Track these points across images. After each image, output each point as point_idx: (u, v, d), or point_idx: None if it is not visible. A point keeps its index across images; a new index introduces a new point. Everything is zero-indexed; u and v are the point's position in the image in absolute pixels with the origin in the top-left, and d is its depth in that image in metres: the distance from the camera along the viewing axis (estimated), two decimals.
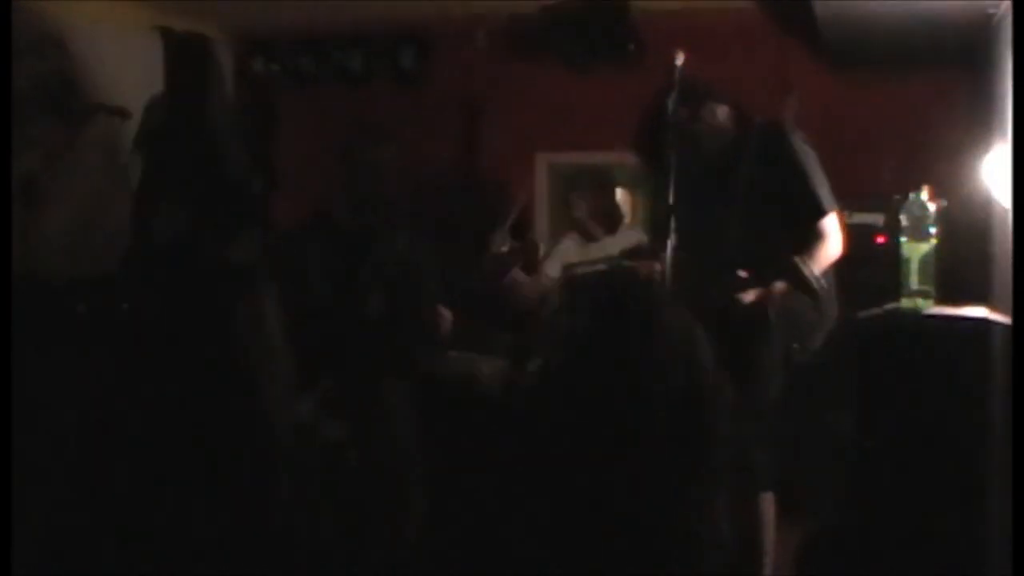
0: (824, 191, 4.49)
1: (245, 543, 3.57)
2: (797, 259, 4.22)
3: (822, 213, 4.45)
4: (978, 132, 5.53)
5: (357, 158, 5.43)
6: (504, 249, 5.86)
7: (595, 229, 6.71)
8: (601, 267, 6.62)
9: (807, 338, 4.54)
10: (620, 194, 6.97)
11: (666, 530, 3.46)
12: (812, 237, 4.43)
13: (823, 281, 4.25)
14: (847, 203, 5.61)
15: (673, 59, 4.38)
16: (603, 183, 6.77)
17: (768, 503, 4.55)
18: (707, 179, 4.55)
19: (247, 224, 5.22)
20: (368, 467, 5.11)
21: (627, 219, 6.99)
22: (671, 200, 4.31)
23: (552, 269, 6.65)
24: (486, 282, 6.00)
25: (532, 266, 6.31)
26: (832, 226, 4.48)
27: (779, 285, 4.31)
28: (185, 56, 7.26)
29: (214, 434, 3.69)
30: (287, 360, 4.90)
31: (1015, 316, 2.99)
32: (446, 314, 5.43)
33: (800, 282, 4.17)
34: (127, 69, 6.15)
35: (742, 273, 4.28)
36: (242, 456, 3.85)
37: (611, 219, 6.75)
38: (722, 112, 4.61)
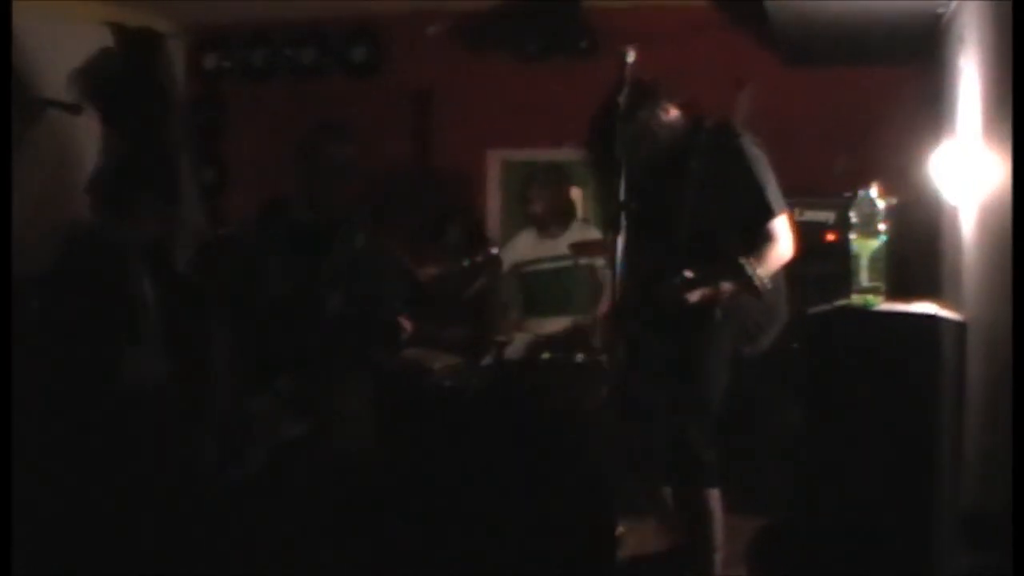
0: (773, 193, 4.48)
1: (196, 540, 3.56)
2: (742, 259, 4.22)
3: (771, 215, 4.45)
4: (928, 130, 5.58)
5: (314, 156, 5.41)
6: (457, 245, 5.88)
7: (551, 225, 6.73)
8: (555, 264, 6.66)
9: (755, 338, 4.56)
10: (574, 191, 7.01)
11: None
12: (761, 239, 4.43)
13: (768, 282, 4.26)
14: (798, 201, 5.66)
15: (625, 56, 4.38)
16: (557, 179, 6.79)
17: (715, 499, 4.57)
18: (657, 178, 4.55)
19: (196, 217, 5.22)
20: (323, 462, 5.11)
21: (580, 215, 7.02)
22: (622, 197, 4.32)
23: (506, 263, 6.68)
24: (438, 277, 5.99)
25: (484, 261, 6.32)
26: (782, 228, 4.48)
27: (726, 285, 4.32)
28: (137, 51, 7.24)
29: (171, 428, 3.68)
30: (238, 354, 4.90)
31: (1015, 314, 3.01)
32: (405, 324, 5.42)
33: (744, 282, 4.17)
34: (78, 63, 6.12)
35: (688, 273, 4.28)
36: (195, 453, 3.84)
37: (565, 215, 6.77)
38: (673, 112, 4.60)
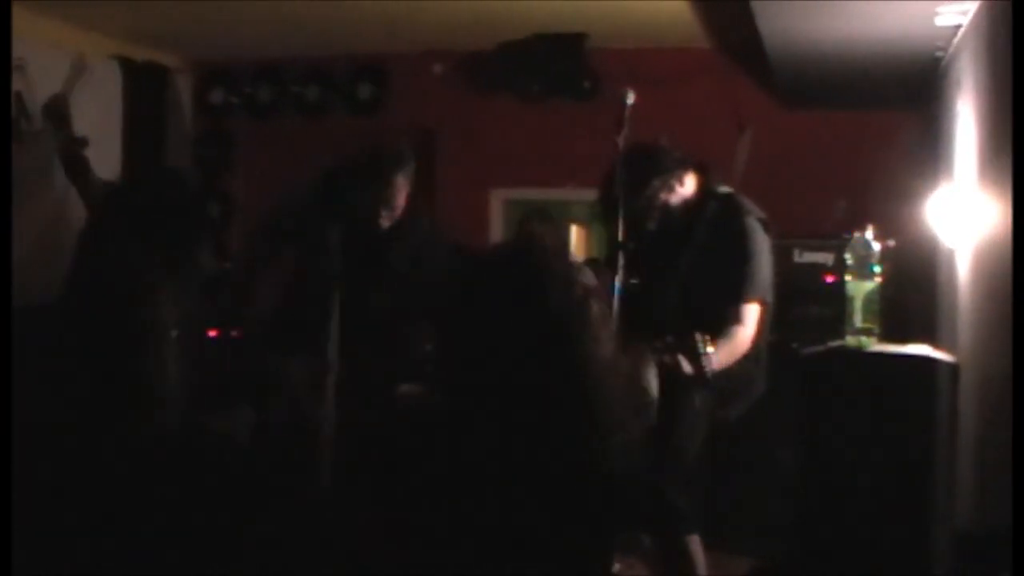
0: (759, 277, 4.43)
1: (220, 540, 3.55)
2: (699, 337, 4.15)
3: (745, 298, 4.39)
4: (925, 173, 5.62)
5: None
6: None
7: None
8: None
9: (729, 403, 4.51)
10: (576, 229, 7.05)
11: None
12: (729, 318, 4.37)
13: (713, 368, 4.16)
14: (798, 242, 5.70)
15: (624, 97, 4.40)
16: (552, 217, 6.84)
17: (695, 544, 4.57)
18: (661, 240, 4.56)
19: (202, 249, 5.24)
20: (356, 459, 5.07)
21: (581, 254, 7.05)
22: (619, 239, 4.33)
23: None
24: None
25: None
26: (750, 315, 4.41)
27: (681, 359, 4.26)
28: (145, 85, 7.31)
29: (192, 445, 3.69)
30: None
31: (1015, 356, 3.03)
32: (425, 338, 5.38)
33: (695, 361, 4.11)
34: (86, 96, 6.17)
35: (668, 338, 4.22)
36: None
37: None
38: (684, 183, 4.57)
